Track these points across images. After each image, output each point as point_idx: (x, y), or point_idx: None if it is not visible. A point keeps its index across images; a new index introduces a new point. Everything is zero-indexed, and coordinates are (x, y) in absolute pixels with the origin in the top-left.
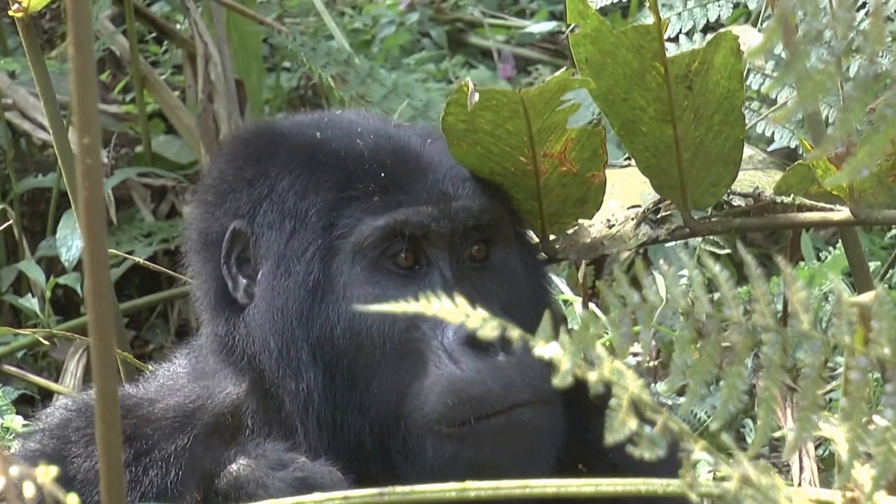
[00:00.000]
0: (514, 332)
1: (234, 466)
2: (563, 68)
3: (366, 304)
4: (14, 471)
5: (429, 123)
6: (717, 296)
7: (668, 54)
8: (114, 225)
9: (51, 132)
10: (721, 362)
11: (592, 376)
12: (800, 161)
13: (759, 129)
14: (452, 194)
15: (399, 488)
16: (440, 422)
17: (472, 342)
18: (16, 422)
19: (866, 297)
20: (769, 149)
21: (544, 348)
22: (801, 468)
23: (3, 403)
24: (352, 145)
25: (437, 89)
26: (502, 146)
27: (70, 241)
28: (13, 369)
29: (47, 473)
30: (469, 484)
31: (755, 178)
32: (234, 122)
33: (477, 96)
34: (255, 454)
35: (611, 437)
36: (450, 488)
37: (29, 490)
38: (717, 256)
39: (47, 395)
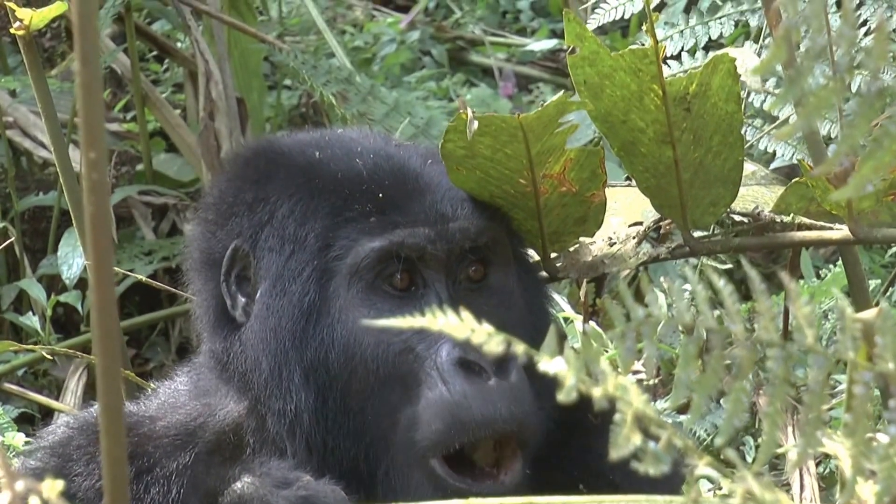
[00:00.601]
0: (513, 350)
1: (238, 484)
2: (562, 91)
3: (363, 327)
4: (20, 486)
5: (430, 141)
6: (717, 312)
7: (667, 73)
8: (114, 243)
9: (52, 150)
10: (724, 378)
11: (597, 392)
12: (797, 179)
13: (761, 147)
14: (450, 215)
15: None
16: (430, 449)
17: (464, 364)
18: (17, 439)
19: (869, 313)
20: (771, 167)
21: (549, 364)
22: (802, 486)
23: (3, 421)
24: (350, 165)
25: (438, 107)
26: (501, 170)
27: (71, 260)
28: (13, 387)
29: (53, 488)
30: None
31: (758, 194)
32: (235, 140)
33: (476, 124)
34: (260, 472)
35: (615, 453)
36: None
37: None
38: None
39: (47, 414)
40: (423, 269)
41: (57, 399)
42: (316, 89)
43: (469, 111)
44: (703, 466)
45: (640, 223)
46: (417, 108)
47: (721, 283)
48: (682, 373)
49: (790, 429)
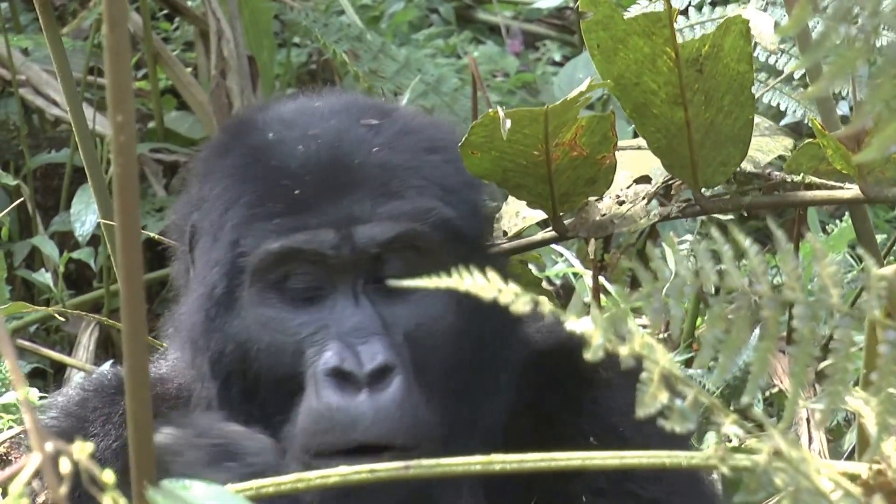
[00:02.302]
0: (392, 362)
1: (158, 436)
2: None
3: (259, 326)
4: (49, 447)
5: (441, 99)
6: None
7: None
8: None
9: (68, 108)
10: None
11: (624, 350)
12: (810, 140)
13: (765, 100)
14: (363, 216)
15: (424, 462)
16: (303, 450)
17: (338, 374)
18: (31, 394)
19: (891, 270)
20: (781, 123)
21: (575, 323)
22: (810, 439)
23: (6, 378)
24: (287, 153)
25: (447, 64)
26: (517, 147)
27: (84, 217)
28: (26, 343)
29: (83, 450)
30: (494, 457)
31: (762, 144)
32: (246, 98)
33: (509, 123)
34: (184, 423)
35: (642, 411)
36: (475, 461)
37: (66, 466)
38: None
39: (60, 369)
40: (329, 272)
41: (69, 355)
42: (329, 47)
43: (500, 111)
44: (729, 424)
45: (648, 178)
46: (427, 66)
47: (747, 242)
48: (709, 333)
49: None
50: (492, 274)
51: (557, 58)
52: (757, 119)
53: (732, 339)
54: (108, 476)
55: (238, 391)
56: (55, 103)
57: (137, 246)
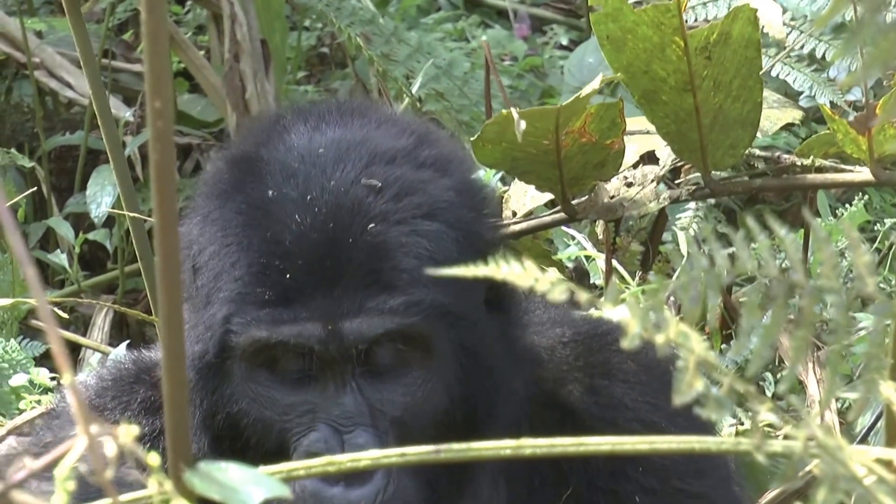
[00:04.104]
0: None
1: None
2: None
3: (249, 401)
4: (94, 429)
5: (452, 82)
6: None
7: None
8: (140, 182)
9: (90, 91)
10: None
11: (659, 339)
12: (825, 131)
13: (773, 73)
14: (354, 309)
15: (455, 445)
16: None
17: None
18: (41, 375)
19: None
20: (802, 103)
21: (612, 311)
22: (821, 421)
23: (22, 357)
24: (283, 225)
25: (457, 48)
26: (528, 138)
27: (100, 198)
28: (41, 324)
29: (129, 433)
30: (524, 441)
31: (770, 115)
32: (259, 82)
33: (524, 124)
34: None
35: (678, 399)
36: (506, 445)
37: (111, 449)
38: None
39: (74, 349)
40: (318, 361)
41: (84, 335)
42: (343, 31)
43: (514, 112)
44: (765, 411)
45: (654, 153)
46: (439, 50)
47: (783, 231)
48: (746, 321)
49: (811, 365)
50: (528, 262)
51: (565, 42)
52: (766, 93)
53: (769, 328)
54: (154, 458)
55: (228, 448)
56: (69, 86)
57: (175, 231)
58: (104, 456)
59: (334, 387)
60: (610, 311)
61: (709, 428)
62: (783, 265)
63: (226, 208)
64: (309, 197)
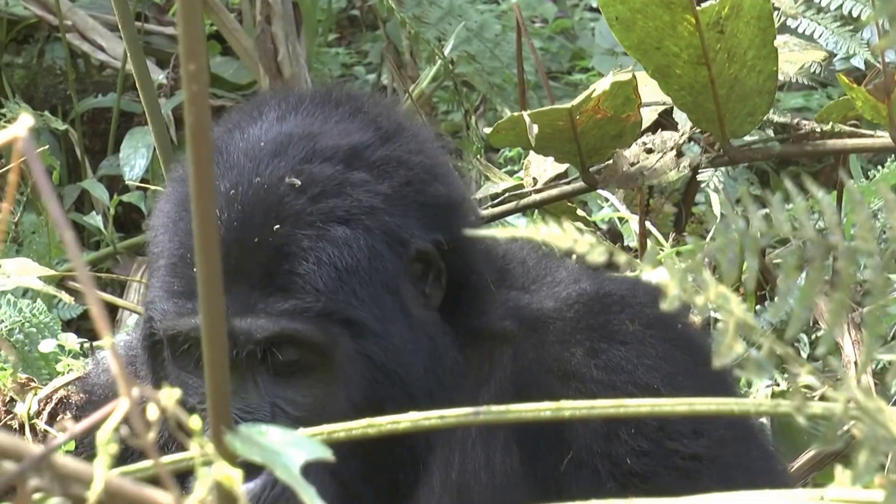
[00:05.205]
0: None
1: None
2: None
3: (177, 382)
4: (136, 393)
5: (484, 45)
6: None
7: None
8: (174, 144)
9: (129, 54)
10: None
11: (699, 300)
12: (844, 97)
13: (791, 25)
14: (246, 309)
15: (494, 408)
16: None
17: None
18: (70, 340)
19: None
20: (836, 65)
21: (651, 273)
22: (859, 383)
23: (48, 319)
24: None
25: (488, 10)
26: (543, 122)
27: (133, 160)
28: (78, 285)
29: (171, 397)
30: (564, 403)
31: (791, 57)
32: (291, 44)
33: (536, 128)
34: None
35: (718, 362)
36: (545, 408)
37: (153, 413)
38: (766, 176)
39: (111, 311)
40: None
41: (120, 297)
42: None
43: (526, 116)
44: (804, 375)
45: (668, 111)
46: (470, 12)
47: (821, 193)
48: (784, 284)
49: (846, 326)
50: (567, 224)
51: (594, 3)
52: (785, 38)
53: (807, 290)
54: (196, 422)
55: None
56: (101, 48)
57: (212, 194)
58: (146, 419)
59: (238, 381)
60: (648, 273)
61: (711, 388)
62: (818, 227)
63: (176, 193)
64: (233, 192)
